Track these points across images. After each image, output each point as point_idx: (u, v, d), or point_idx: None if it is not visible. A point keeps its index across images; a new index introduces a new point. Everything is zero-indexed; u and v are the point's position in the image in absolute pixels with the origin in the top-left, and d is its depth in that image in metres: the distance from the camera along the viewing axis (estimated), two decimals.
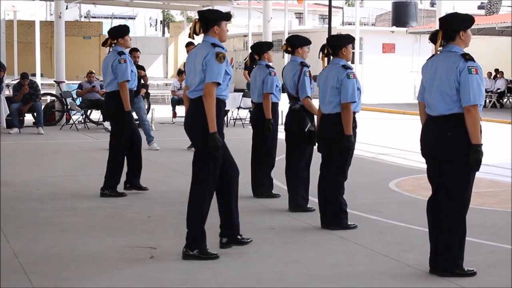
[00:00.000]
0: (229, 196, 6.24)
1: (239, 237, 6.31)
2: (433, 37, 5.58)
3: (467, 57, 5.39)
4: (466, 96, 5.31)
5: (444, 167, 5.50)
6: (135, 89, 9.18)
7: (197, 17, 6.08)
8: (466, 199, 5.57)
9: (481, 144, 5.36)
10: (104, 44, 9.08)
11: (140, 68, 14.05)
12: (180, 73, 21.03)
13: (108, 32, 9.06)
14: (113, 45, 8.88)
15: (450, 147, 5.42)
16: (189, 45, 13.53)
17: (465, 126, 5.35)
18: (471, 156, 5.34)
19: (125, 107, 8.66)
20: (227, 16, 6.11)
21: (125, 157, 8.99)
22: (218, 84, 5.83)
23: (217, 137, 5.81)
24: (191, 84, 6.00)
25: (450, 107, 5.40)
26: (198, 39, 6.22)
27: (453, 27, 5.51)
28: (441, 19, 5.64)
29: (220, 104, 5.94)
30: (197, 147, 6.08)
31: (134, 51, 13.64)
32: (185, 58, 37.38)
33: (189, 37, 6.16)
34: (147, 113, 17.76)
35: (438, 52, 5.57)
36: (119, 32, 8.84)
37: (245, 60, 21.16)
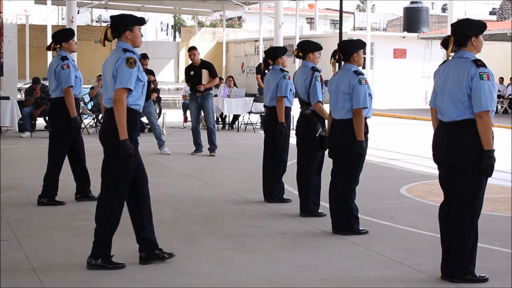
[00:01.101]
0: (139, 207, 6.01)
1: (157, 251, 6.00)
2: (444, 43, 5.58)
3: (479, 63, 5.40)
4: (478, 102, 5.31)
5: (456, 173, 5.50)
6: (79, 95, 8.67)
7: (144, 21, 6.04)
8: (478, 205, 5.55)
9: (494, 150, 5.35)
10: (48, 48, 8.69)
11: (149, 72, 14.10)
12: None
13: (52, 36, 8.60)
14: (57, 49, 8.43)
15: (462, 153, 5.42)
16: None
17: (477, 132, 5.34)
18: (484, 162, 5.33)
19: (71, 113, 8.27)
20: (140, 21, 5.95)
21: (71, 167, 8.75)
22: (129, 90, 5.67)
23: (128, 144, 5.61)
24: (106, 92, 5.84)
25: (461, 113, 5.41)
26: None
27: (465, 33, 5.51)
28: (453, 25, 5.64)
29: (134, 115, 5.75)
30: (107, 155, 5.89)
31: (143, 58, 13.78)
32: None
33: (101, 43, 6.04)
34: (158, 117, 17.83)
35: (450, 58, 5.58)
36: (63, 36, 8.40)
37: (259, 65, 21.18)
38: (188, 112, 19.82)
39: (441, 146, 5.58)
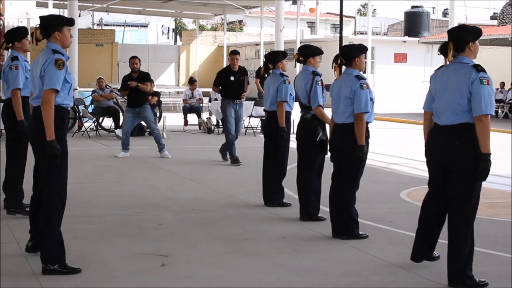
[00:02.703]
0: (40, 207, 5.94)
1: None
2: (442, 49, 5.68)
3: (479, 68, 5.51)
4: (478, 106, 5.41)
5: (452, 176, 5.58)
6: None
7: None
8: (474, 208, 5.63)
9: (491, 154, 5.42)
10: None
11: (143, 75, 13.66)
12: (191, 81, 21.10)
13: (5, 35, 8.17)
14: (9, 49, 8.00)
15: (458, 156, 5.50)
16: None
17: (473, 135, 5.43)
18: (481, 165, 5.40)
19: (17, 116, 7.62)
20: (69, 21, 6.02)
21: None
22: (57, 91, 5.73)
23: (55, 145, 5.66)
24: (34, 92, 5.94)
25: (459, 117, 5.50)
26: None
27: (463, 39, 5.63)
28: (450, 31, 5.77)
29: (63, 112, 5.84)
30: (39, 156, 5.91)
31: (132, 58, 13.68)
32: (197, 67, 36.97)
33: (33, 43, 6.21)
34: (159, 121, 17.84)
35: (448, 63, 5.66)
36: (16, 35, 7.88)
37: (258, 68, 21.18)
38: (188, 115, 19.90)
39: (438, 150, 5.66)
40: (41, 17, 6.02)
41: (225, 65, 40.85)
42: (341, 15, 18.24)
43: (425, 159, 5.90)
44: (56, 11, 39.14)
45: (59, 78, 5.73)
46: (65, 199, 5.95)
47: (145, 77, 13.58)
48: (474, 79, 5.45)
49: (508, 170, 12.45)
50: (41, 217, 5.86)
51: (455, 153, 5.51)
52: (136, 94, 13.48)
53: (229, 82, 12.66)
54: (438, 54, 5.79)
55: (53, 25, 5.90)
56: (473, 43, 5.65)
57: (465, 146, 5.48)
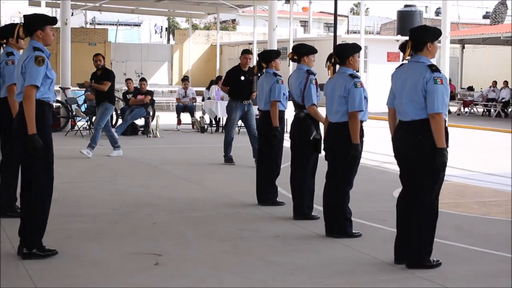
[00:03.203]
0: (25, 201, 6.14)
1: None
2: (402, 47, 6.02)
3: (433, 68, 5.84)
4: (431, 105, 5.76)
5: (415, 168, 5.91)
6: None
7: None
8: (435, 197, 5.99)
9: (446, 148, 5.80)
10: None
11: (106, 73, 13.23)
12: (183, 80, 21.10)
13: None
14: (4, 46, 7.81)
15: (420, 150, 5.83)
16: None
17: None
18: (437, 159, 5.76)
19: (13, 113, 7.26)
20: (52, 21, 6.23)
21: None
22: (37, 87, 5.94)
23: (36, 138, 5.88)
24: (18, 88, 6.15)
25: (419, 112, 5.84)
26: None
27: (422, 39, 5.95)
28: (410, 31, 6.09)
29: (43, 106, 6.04)
30: (24, 150, 6.06)
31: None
32: (190, 66, 36.90)
33: (16, 41, 6.55)
34: (152, 120, 17.83)
35: (406, 61, 5.99)
36: (10, 32, 7.58)
37: (252, 67, 21.16)
38: (182, 114, 19.89)
39: (401, 144, 6.00)
40: (24, 16, 6.22)
41: (218, 65, 40.85)
42: (335, 15, 18.25)
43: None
44: (48, 10, 39.08)
45: (39, 74, 5.96)
46: (51, 191, 6.16)
47: (107, 76, 13.29)
48: (428, 79, 5.78)
49: (500, 169, 12.49)
50: (23, 207, 6.09)
51: (418, 147, 5.84)
52: (97, 93, 13.53)
53: (239, 82, 12.28)
54: (399, 52, 6.12)
55: (35, 24, 6.14)
56: (432, 43, 5.96)
57: (427, 140, 5.80)
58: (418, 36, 5.97)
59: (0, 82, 7.74)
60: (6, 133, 7.71)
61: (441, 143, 5.76)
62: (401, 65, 6.11)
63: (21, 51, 7.92)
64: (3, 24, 19.08)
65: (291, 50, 8.16)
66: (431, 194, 5.94)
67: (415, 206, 5.95)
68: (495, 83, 28.71)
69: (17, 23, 7.96)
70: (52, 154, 6.15)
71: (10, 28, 7.81)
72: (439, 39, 6.14)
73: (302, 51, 8.02)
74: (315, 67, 8.10)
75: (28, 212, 6.07)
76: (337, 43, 7.76)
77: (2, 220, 7.55)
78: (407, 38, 6.08)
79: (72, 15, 29.43)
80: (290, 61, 8.21)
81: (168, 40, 58.02)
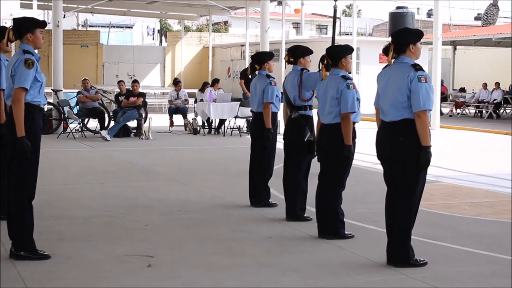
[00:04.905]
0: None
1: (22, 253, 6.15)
2: (385, 50, 6.11)
3: (417, 67, 5.93)
4: (416, 103, 5.83)
5: (397, 168, 5.98)
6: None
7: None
8: (416, 197, 6.04)
9: (430, 146, 5.85)
10: None
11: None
12: (175, 82, 21.09)
13: None
14: None
15: (402, 150, 5.91)
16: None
17: (415, 130, 5.84)
18: (422, 157, 5.82)
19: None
20: (42, 24, 6.27)
21: None
22: (26, 89, 5.97)
23: (25, 141, 5.90)
24: (8, 91, 6.18)
25: (401, 113, 5.91)
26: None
27: (404, 41, 6.04)
28: (392, 34, 6.22)
29: (33, 109, 6.06)
30: (13, 152, 6.09)
31: (133, 82, 13.40)
32: (182, 68, 36.87)
33: (6, 44, 6.55)
34: (144, 122, 17.82)
35: (392, 63, 6.07)
36: None
37: (243, 70, 21.16)
38: (174, 116, 19.88)
39: (383, 144, 6.09)
40: (14, 19, 6.27)
41: (210, 66, 40.80)
42: (334, 17, 18.05)
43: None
44: (40, 12, 38.98)
45: (28, 77, 5.98)
46: (34, 193, 6.22)
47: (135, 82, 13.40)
48: (412, 78, 5.86)
49: (492, 170, 12.52)
50: (10, 208, 6.14)
51: (399, 147, 5.91)
52: None
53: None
54: (382, 55, 6.33)
55: (25, 27, 6.19)
56: (414, 45, 6.04)
57: (408, 140, 5.86)
58: (400, 38, 6.07)
59: None
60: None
61: (426, 141, 5.82)
62: (386, 66, 6.21)
63: (6, 55, 7.86)
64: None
65: (287, 52, 8.16)
66: (413, 194, 5.99)
67: (396, 206, 6.03)
68: (485, 85, 28.77)
69: (2, 26, 7.91)
70: (37, 157, 6.17)
71: None
72: (422, 40, 6.21)
73: (298, 52, 8.03)
74: (309, 69, 8.11)
75: (16, 213, 6.11)
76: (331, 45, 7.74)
77: None
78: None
79: (64, 17, 29.35)
80: (287, 63, 8.20)
81: (161, 42, 57.97)
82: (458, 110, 29.23)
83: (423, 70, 5.94)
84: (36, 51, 6.23)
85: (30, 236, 6.16)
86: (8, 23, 19.22)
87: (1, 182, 7.58)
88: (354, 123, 7.00)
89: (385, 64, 6.25)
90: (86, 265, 6.02)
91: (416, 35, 6.12)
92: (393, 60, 6.08)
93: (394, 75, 6.01)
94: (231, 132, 18.74)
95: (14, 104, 5.96)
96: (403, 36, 6.09)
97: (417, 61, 6.08)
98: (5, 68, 7.34)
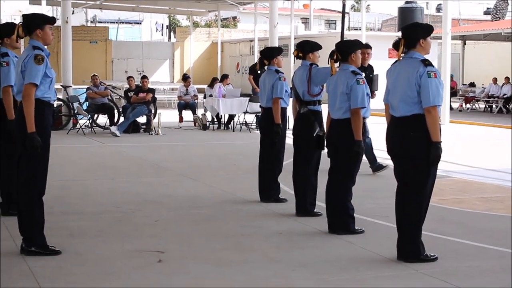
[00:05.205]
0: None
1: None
2: (395, 45, 6.11)
3: (427, 63, 5.91)
4: (426, 98, 5.83)
5: (406, 163, 5.98)
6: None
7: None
8: (427, 193, 6.04)
9: (441, 142, 5.85)
10: None
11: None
12: (184, 78, 21.09)
13: None
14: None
15: (411, 145, 5.91)
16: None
17: (425, 125, 5.84)
18: (432, 152, 5.82)
19: (8, 115, 7.36)
20: (51, 20, 6.30)
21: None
22: (36, 85, 5.99)
23: (35, 137, 5.93)
24: (18, 87, 6.19)
25: (411, 108, 5.91)
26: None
27: (414, 36, 6.04)
28: (402, 29, 6.20)
29: (43, 105, 6.09)
30: (23, 148, 6.11)
31: (142, 78, 13.30)
32: (191, 63, 36.82)
33: (15, 40, 6.72)
34: (154, 117, 17.84)
35: (401, 58, 6.07)
36: (5, 31, 7.57)
37: (252, 65, 21.13)
38: (183, 112, 19.89)
39: (393, 139, 6.08)
40: (23, 15, 6.30)
41: (219, 62, 40.81)
42: (343, 12, 18.11)
43: None
44: (49, 9, 39.06)
45: (38, 72, 6.01)
46: (44, 189, 6.24)
47: (144, 78, 13.37)
48: (422, 73, 5.85)
49: (502, 165, 12.48)
50: (20, 204, 6.19)
51: (409, 143, 5.90)
52: None
53: None
54: (393, 50, 6.24)
55: (35, 23, 6.21)
56: (424, 40, 6.03)
57: (418, 135, 5.86)
58: (410, 33, 6.06)
59: None
60: (5, 134, 7.61)
61: (436, 136, 5.81)
62: (396, 61, 6.22)
63: (15, 51, 7.94)
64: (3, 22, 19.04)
65: (296, 47, 8.16)
66: (423, 190, 5.99)
67: (406, 201, 6.03)
68: (495, 79, 28.66)
69: (11, 23, 7.98)
70: (48, 153, 6.19)
71: (5, 28, 7.76)
72: (432, 35, 6.19)
73: (308, 47, 8.03)
74: (318, 64, 8.10)
75: (27, 209, 6.13)
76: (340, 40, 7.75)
77: (4, 219, 7.56)
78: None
79: (73, 13, 29.40)
80: (296, 58, 8.20)
81: (169, 37, 57.97)
82: (468, 105, 29.14)
83: (433, 66, 5.93)
84: (45, 47, 6.25)
85: (40, 231, 6.18)
86: (17, 20, 19.27)
87: (11, 179, 7.65)
88: (364, 118, 6.99)
89: (395, 60, 6.23)
90: (96, 260, 6.04)
91: (426, 30, 6.10)
92: (402, 55, 6.06)
93: (403, 70, 6.00)
94: (241, 127, 18.74)
95: (24, 100, 5.98)
96: (413, 31, 6.08)
97: (426, 56, 6.06)
98: (15, 65, 7.37)
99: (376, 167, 11.22)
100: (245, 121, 18.65)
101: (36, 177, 6.12)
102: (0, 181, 7.91)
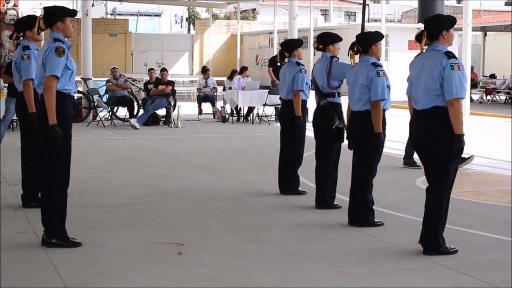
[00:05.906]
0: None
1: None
2: (418, 37, 6.08)
3: (450, 55, 5.89)
4: (449, 90, 5.80)
5: (428, 155, 6.01)
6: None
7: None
8: (449, 184, 6.04)
9: (463, 134, 5.82)
10: (10, 37, 8.41)
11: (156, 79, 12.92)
12: (204, 71, 21.11)
13: (15, 24, 7.90)
14: (20, 38, 7.63)
15: (434, 137, 5.90)
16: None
17: (447, 118, 5.82)
18: (455, 145, 5.80)
19: (28, 108, 7.39)
20: (72, 12, 6.33)
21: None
22: (57, 77, 6.01)
23: (57, 129, 5.96)
24: (39, 79, 6.22)
25: (433, 101, 5.89)
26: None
27: (437, 28, 6.01)
28: (425, 21, 6.19)
29: (63, 97, 6.11)
30: (44, 140, 6.14)
31: (162, 71, 13.19)
32: (211, 55, 36.85)
33: (36, 33, 6.81)
34: (173, 110, 17.88)
35: (424, 50, 6.04)
36: (27, 24, 7.53)
37: (272, 57, 21.10)
38: (203, 104, 19.92)
39: (416, 132, 6.11)
40: (44, 8, 6.34)
41: (239, 54, 40.77)
42: (364, 3, 17.95)
43: None
44: (69, 1, 39.23)
45: (59, 65, 6.04)
46: (67, 181, 6.27)
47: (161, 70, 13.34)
48: (445, 66, 5.82)
49: None
50: (42, 196, 6.25)
51: (431, 135, 5.90)
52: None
53: None
54: (415, 42, 6.25)
55: (55, 16, 6.24)
56: (447, 31, 5.99)
57: (440, 128, 5.85)
58: (433, 25, 6.04)
59: (17, 77, 7.66)
60: (26, 126, 7.71)
61: (459, 129, 5.79)
62: (419, 54, 6.20)
63: (41, 44, 8.03)
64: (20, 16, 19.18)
65: (316, 39, 8.14)
66: (445, 182, 5.99)
67: (429, 193, 6.08)
68: None
69: (33, 15, 8.00)
70: (70, 145, 6.22)
71: (26, 20, 7.73)
72: (454, 26, 6.15)
73: (327, 40, 8.02)
74: (338, 56, 8.08)
75: (49, 201, 6.17)
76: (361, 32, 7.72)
77: (26, 210, 7.62)
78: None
79: (92, 6, 29.50)
80: (316, 50, 8.18)
81: (189, 30, 58.00)
82: (489, 97, 28.92)
83: (456, 58, 5.89)
84: (66, 39, 6.27)
85: (62, 224, 6.22)
86: (38, 12, 19.37)
87: (33, 171, 7.71)
88: (384, 110, 6.97)
89: (418, 52, 6.21)
90: (116, 252, 6.07)
91: (449, 21, 6.08)
92: (425, 47, 6.03)
93: (426, 63, 5.98)
94: (260, 120, 18.73)
95: (45, 92, 6.02)
96: (435, 23, 6.06)
97: (448, 48, 6.03)
98: (36, 58, 7.40)
99: (409, 162, 11.15)
100: (264, 113, 18.63)
101: (58, 169, 6.15)
102: (22, 174, 7.99)
